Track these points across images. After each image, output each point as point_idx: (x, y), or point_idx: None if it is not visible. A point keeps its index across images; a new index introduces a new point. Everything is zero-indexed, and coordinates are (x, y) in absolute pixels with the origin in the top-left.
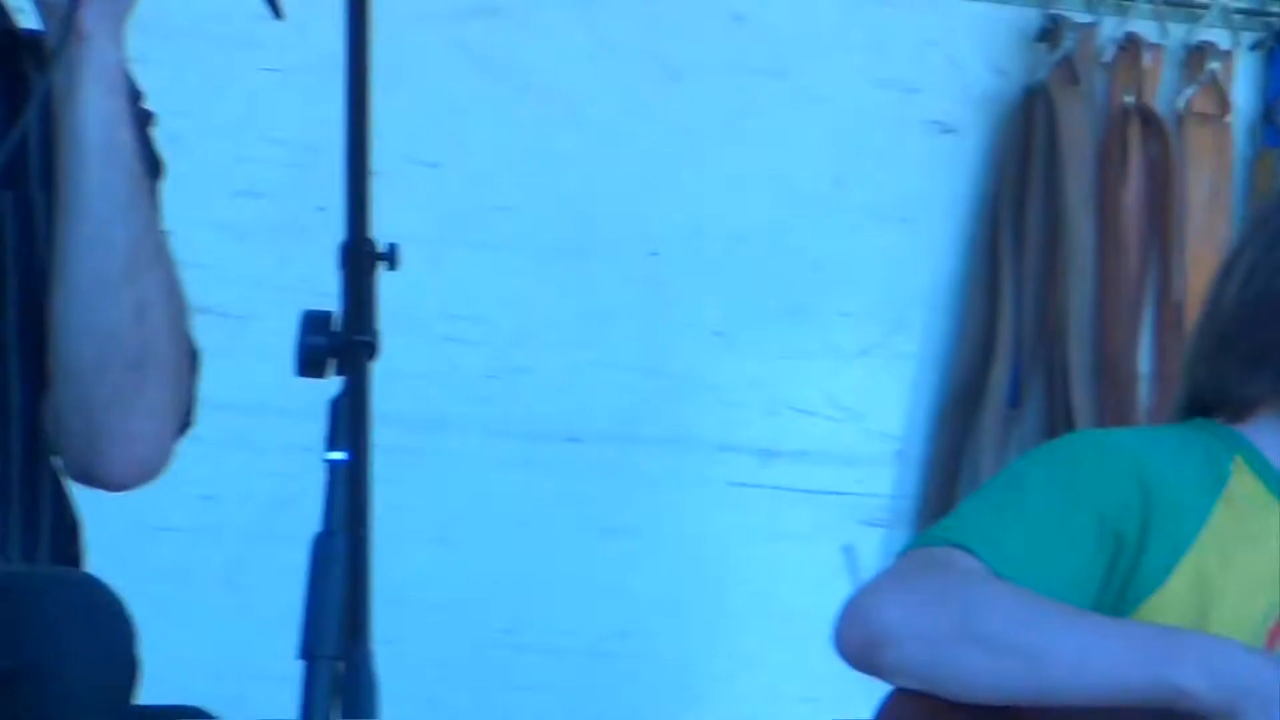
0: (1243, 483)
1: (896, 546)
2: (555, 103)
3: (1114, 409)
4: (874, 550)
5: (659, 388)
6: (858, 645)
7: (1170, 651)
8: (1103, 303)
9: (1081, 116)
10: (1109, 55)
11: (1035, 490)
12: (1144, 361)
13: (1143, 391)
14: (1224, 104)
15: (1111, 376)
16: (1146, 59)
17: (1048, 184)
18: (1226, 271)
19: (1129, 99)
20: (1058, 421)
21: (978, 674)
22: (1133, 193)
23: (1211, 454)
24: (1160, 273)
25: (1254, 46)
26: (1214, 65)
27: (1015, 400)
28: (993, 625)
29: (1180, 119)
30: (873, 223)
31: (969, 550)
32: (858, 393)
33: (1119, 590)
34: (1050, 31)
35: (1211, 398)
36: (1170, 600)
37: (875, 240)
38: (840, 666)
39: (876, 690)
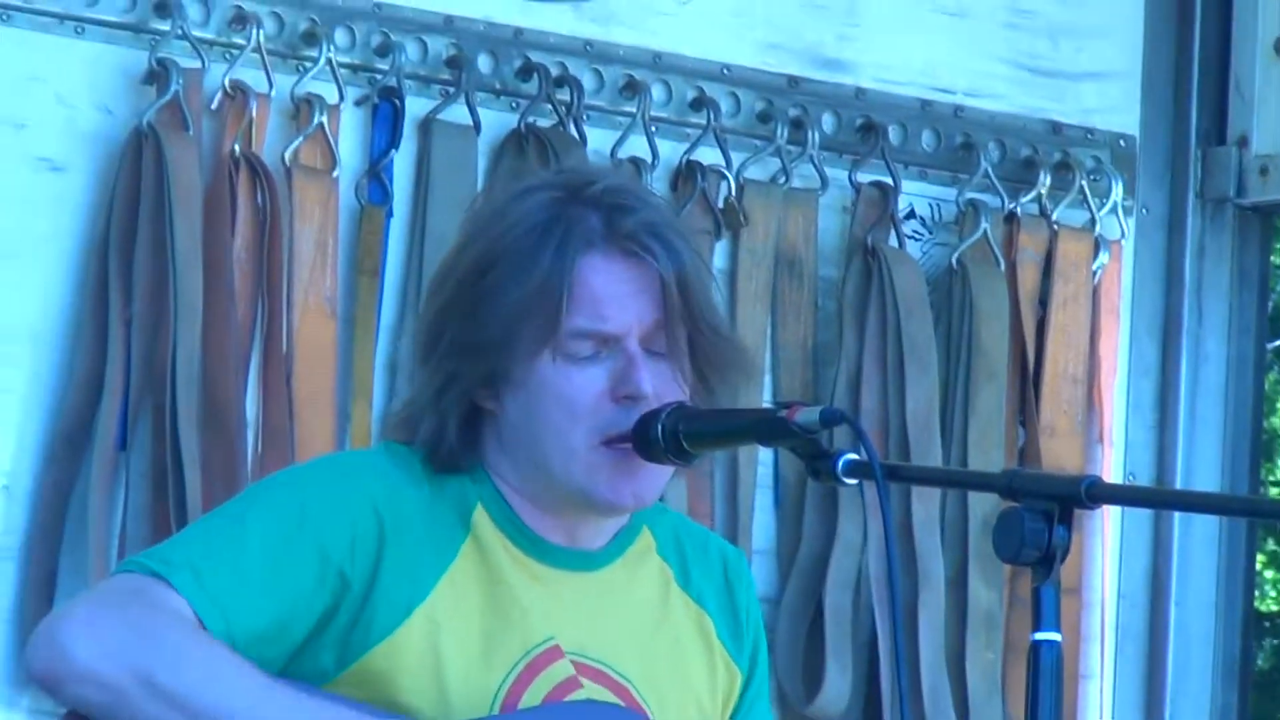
0: (485, 529)
1: (2, 583)
2: None
3: (221, 456)
4: None
5: None
6: (43, 672)
7: None
8: (210, 349)
9: (190, 162)
10: (217, 102)
11: (257, 521)
12: (251, 409)
13: (250, 439)
14: (330, 157)
15: (219, 423)
16: (253, 108)
17: (156, 227)
18: None
19: (237, 147)
20: (165, 465)
21: None
22: (241, 241)
23: (460, 497)
24: (266, 322)
25: (359, 102)
26: (321, 118)
27: (123, 443)
28: (179, 685)
29: (288, 170)
30: None
31: (170, 584)
32: None
33: (345, 630)
34: (157, 74)
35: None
36: (404, 645)
37: None
38: None
39: None
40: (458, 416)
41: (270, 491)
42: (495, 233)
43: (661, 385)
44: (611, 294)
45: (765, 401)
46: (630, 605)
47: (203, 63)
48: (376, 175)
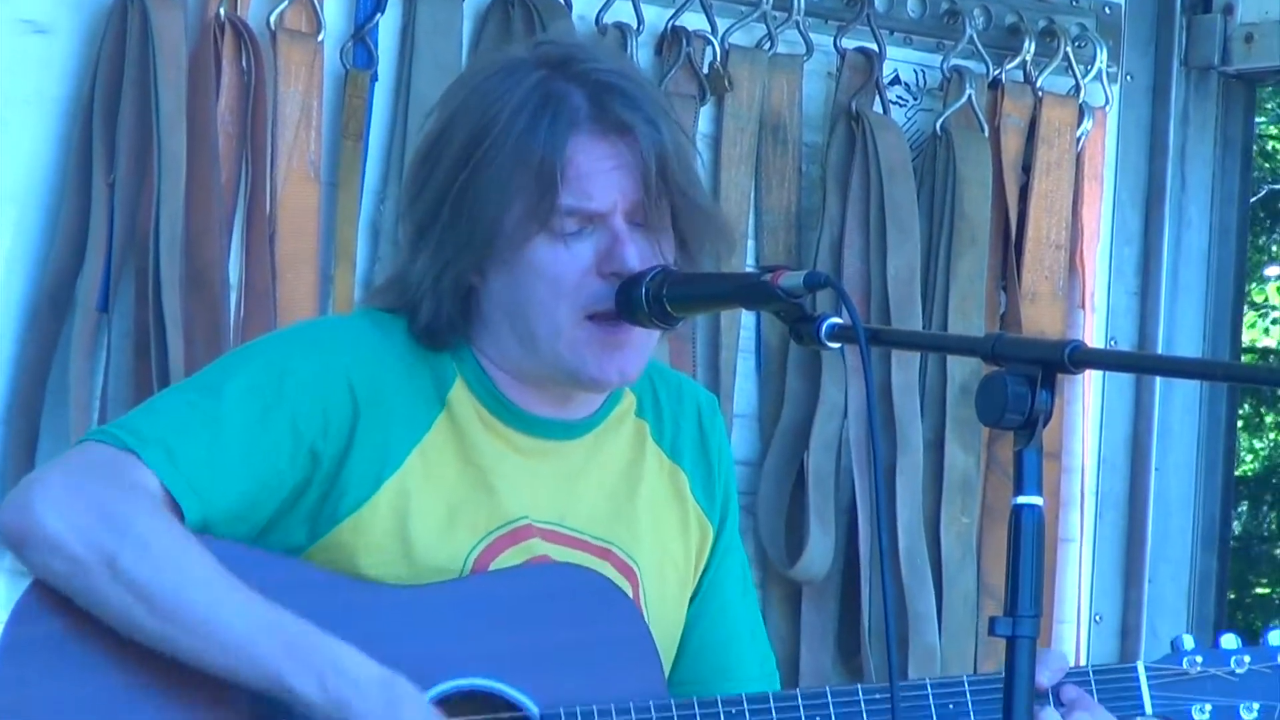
0: (462, 405)
1: None
2: None
3: (203, 318)
4: None
5: None
6: (12, 533)
7: (295, 656)
8: (193, 212)
9: (176, 25)
10: None
11: (232, 396)
12: (234, 272)
13: (232, 301)
14: (315, 21)
15: (201, 286)
16: None
17: (141, 90)
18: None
19: (222, 10)
20: (148, 328)
21: (113, 610)
22: (225, 104)
23: (439, 372)
24: (250, 185)
25: None
26: None
27: (105, 304)
28: (141, 574)
29: (273, 34)
30: None
31: (143, 461)
32: None
33: (316, 504)
34: None
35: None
36: (372, 518)
37: None
38: None
39: None
40: (454, 298)
41: (245, 364)
42: (483, 112)
43: (647, 258)
44: (596, 172)
45: (748, 266)
46: (610, 470)
47: None
48: (362, 39)
